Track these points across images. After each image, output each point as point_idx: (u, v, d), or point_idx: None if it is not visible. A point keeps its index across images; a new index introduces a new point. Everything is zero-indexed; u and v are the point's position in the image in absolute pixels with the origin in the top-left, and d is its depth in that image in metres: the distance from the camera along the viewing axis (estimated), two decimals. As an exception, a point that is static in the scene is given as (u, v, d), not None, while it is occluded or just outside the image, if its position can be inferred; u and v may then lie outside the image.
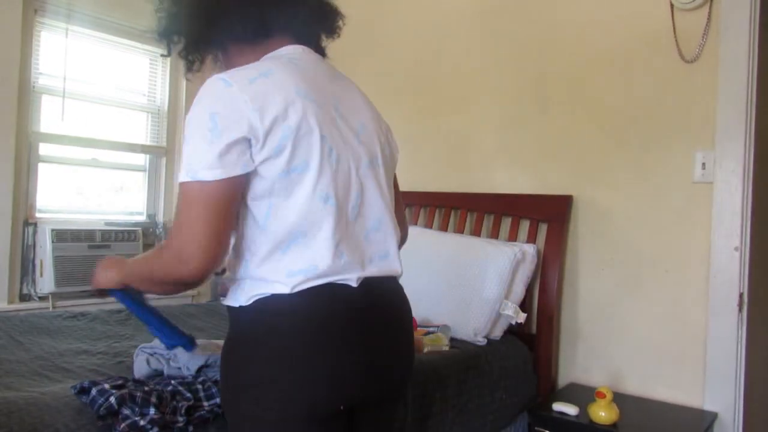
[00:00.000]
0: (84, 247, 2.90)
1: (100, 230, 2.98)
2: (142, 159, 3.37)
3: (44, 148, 2.93)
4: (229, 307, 1.07)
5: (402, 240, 1.23)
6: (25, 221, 2.84)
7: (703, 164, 2.10)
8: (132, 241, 3.10)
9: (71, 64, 2.98)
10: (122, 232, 3.07)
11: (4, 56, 2.69)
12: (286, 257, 1.01)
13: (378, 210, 1.14)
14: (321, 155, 1.02)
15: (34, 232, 2.85)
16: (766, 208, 2.46)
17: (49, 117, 2.92)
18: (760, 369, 2.45)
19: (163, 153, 3.41)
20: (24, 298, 2.83)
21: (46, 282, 2.80)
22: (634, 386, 2.23)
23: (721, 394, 2.03)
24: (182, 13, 1.15)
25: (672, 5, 2.16)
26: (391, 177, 1.24)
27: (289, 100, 1.00)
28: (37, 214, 2.90)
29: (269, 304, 1.01)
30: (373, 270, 1.10)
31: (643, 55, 2.25)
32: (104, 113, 3.16)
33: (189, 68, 1.21)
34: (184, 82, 3.42)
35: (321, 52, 1.24)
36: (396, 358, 1.14)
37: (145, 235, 3.25)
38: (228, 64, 1.18)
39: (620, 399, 2.01)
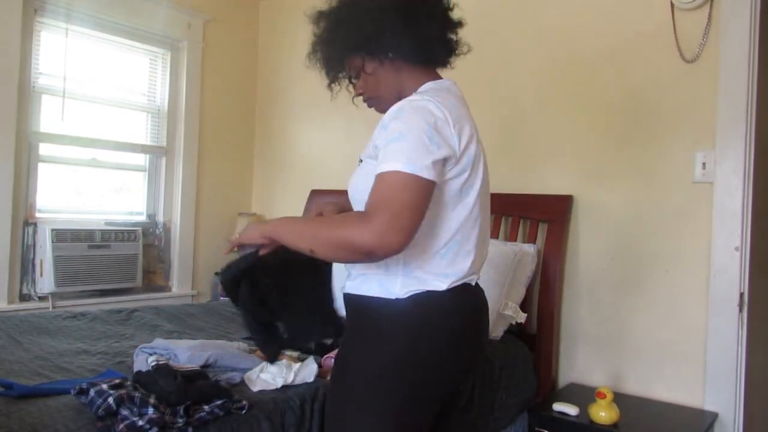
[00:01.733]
0: (84, 247, 2.90)
1: (100, 230, 2.98)
2: (142, 159, 3.37)
3: (44, 148, 2.93)
4: (375, 298, 1.18)
5: None
6: (25, 221, 2.84)
7: (703, 164, 2.10)
8: (132, 241, 3.10)
9: (71, 64, 2.98)
10: (122, 232, 3.07)
11: (4, 56, 2.69)
12: (443, 261, 1.18)
13: (488, 231, 1.32)
14: (481, 183, 1.21)
15: (34, 232, 2.85)
16: (766, 208, 2.46)
17: (49, 117, 2.92)
18: (760, 369, 2.45)
19: (163, 153, 3.41)
20: (24, 298, 2.83)
21: (46, 282, 2.80)
22: (634, 386, 2.23)
23: (721, 394, 2.03)
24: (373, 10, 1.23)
25: (672, 5, 2.16)
26: None
27: (471, 131, 1.19)
28: (37, 214, 2.90)
29: (427, 299, 1.16)
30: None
31: (643, 55, 2.24)
32: (104, 113, 3.15)
33: (345, 75, 1.33)
34: (184, 82, 3.42)
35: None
36: (483, 351, 1.34)
37: (145, 235, 3.25)
38: (378, 78, 1.29)
39: (620, 399, 2.01)
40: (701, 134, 2.12)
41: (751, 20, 2.01)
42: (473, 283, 1.24)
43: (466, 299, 1.21)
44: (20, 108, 2.76)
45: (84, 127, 3.05)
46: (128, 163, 3.32)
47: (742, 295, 2.02)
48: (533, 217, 2.45)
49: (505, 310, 2.22)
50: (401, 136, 1.09)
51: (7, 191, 2.72)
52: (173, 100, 3.43)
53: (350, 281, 1.24)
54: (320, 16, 1.31)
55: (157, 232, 3.39)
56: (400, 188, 1.06)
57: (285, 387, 1.55)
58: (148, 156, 3.38)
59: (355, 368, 1.19)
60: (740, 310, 2.02)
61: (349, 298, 1.25)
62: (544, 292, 2.37)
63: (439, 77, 1.30)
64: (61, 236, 2.82)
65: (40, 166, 2.91)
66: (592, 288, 2.36)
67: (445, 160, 1.12)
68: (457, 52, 1.32)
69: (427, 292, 1.16)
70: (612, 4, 2.33)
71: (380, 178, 1.09)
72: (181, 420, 1.27)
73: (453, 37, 1.30)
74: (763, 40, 2.07)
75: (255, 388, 1.52)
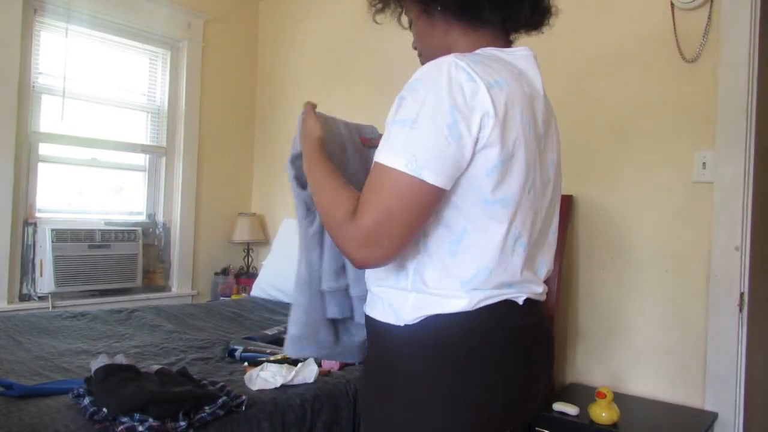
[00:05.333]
0: (84, 247, 2.90)
1: (100, 230, 2.98)
2: (142, 159, 3.37)
3: (44, 148, 2.93)
4: (381, 324, 0.99)
5: None
6: (25, 221, 2.84)
7: (703, 164, 2.10)
8: (132, 241, 3.10)
9: (71, 64, 2.98)
10: (122, 232, 3.07)
11: (4, 56, 2.69)
12: (468, 278, 0.94)
13: (549, 249, 1.08)
14: (521, 192, 0.94)
15: (34, 232, 2.85)
16: (766, 208, 2.46)
17: (48, 117, 2.92)
18: (760, 369, 2.45)
19: (163, 153, 3.41)
20: (24, 298, 2.83)
21: (46, 282, 2.80)
22: (634, 386, 2.23)
23: (721, 394, 2.03)
24: None
25: (672, 5, 2.16)
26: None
27: (515, 125, 0.92)
28: (37, 214, 2.90)
29: (444, 323, 0.93)
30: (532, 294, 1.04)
31: (643, 55, 2.24)
32: (104, 113, 3.15)
33: (381, 10, 1.12)
34: (184, 82, 3.42)
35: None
36: (542, 385, 1.06)
37: (145, 235, 3.25)
38: (425, 31, 1.08)
39: (620, 399, 2.01)
40: (701, 134, 2.12)
41: (751, 20, 2.01)
42: (520, 301, 0.98)
43: (501, 320, 0.96)
44: (20, 108, 2.76)
45: (84, 127, 3.05)
46: (128, 163, 3.32)
47: (742, 295, 2.02)
48: (533, 217, 2.45)
49: (505, 310, 2.22)
50: (413, 121, 0.87)
51: (7, 191, 2.72)
52: (173, 100, 3.43)
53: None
54: None
55: (157, 232, 3.39)
56: (396, 192, 0.87)
57: (285, 387, 1.55)
58: (147, 156, 3.38)
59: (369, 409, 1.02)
60: (740, 310, 2.01)
61: (366, 320, 1.06)
62: (544, 292, 2.37)
63: (505, 45, 1.05)
64: (61, 236, 2.82)
65: (40, 166, 2.91)
66: (592, 288, 2.36)
67: (471, 155, 0.88)
68: (524, 18, 1.05)
69: (450, 314, 0.93)
70: (612, 3, 2.33)
71: (377, 167, 0.89)
72: (183, 423, 1.27)
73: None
74: (763, 40, 2.07)
75: (254, 387, 1.52)
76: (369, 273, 1.04)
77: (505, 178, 0.92)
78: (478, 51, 1.00)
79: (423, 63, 1.05)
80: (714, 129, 2.08)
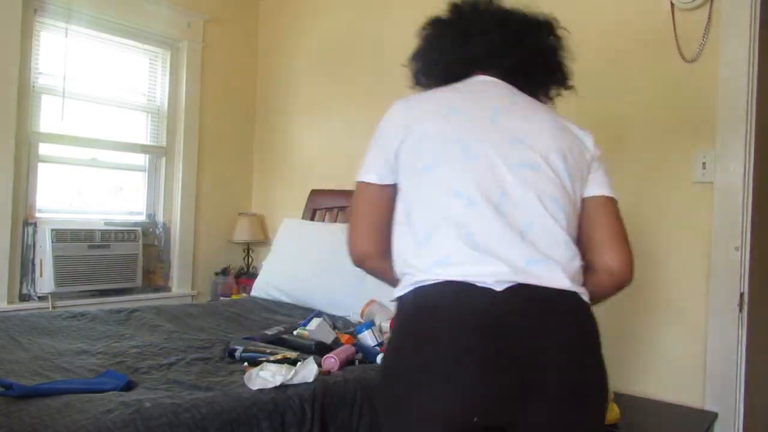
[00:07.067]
0: (84, 247, 2.90)
1: (99, 230, 2.98)
2: (141, 159, 3.37)
3: (44, 148, 2.93)
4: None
5: (605, 278, 1.28)
6: (24, 221, 2.84)
7: (704, 164, 2.10)
8: (132, 241, 3.10)
9: (71, 64, 2.98)
10: (122, 232, 3.07)
11: (4, 56, 2.69)
12: (426, 250, 1.06)
13: (532, 213, 1.08)
14: (455, 155, 1.11)
15: (34, 232, 2.85)
16: (766, 207, 2.46)
17: (48, 117, 2.92)
18: (760, 369, 2.45)
19: (163, 153, 3.41)
20: (24, 298, 2.83)
21: (45, 282, 2.80)
22: (634, 386, 2.23)
23: (721, 394, 2.03)
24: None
25: (672, 5, 2.16)
26: (566, 188, 1.19)
27: (433, 111, 1.18)
28: (37, 214, 2.90)
29: (418, 293, 1.06)
30: (526, 277, 1.02)
31: (643, 55, 2.24)
32: (104, 113, 3.16)
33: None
34: (183, 83, 3.42)
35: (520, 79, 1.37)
36: (540, 389, 0.99)
37: (145, 235, 3.25)
38: None
39: (620, 399, 2.01)
40: (701, 134, 2.11)
41: (751, 20, 2.01)
42: (495, 287, 1.00)
43: (457, 301, 1.01)
44: (20, 108, 2.76)
45: (84, 127, 3.05)
46: (128, 163, 3.32)
47: (742, 295, 2.02)
48: (533, 217, 2.45)
49: (505, 310, 2.22)
50: (368, 149, 1.22)
51: (7, 191, 2.72)
52: (173, 100, 3.43)
53: None
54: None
55: (157, 232, 3.39)
56: (355, 197, 1.19)
57: (285, 387, 1.54)
58: (147, 156, 3.38)
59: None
60: (740, 310, 2.01)
61: None
62: (544, 292, 2.37)
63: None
64: (61, 236, 2.82)
65: (40, 166, 2.91)
66: (592, 288, 2.36)
67: (388, 157, 1.16)
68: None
69: (421, 286, 1.05)
70: (612, 3, 2.33)
71: None
72: None
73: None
74: (763, 40, 2.07)
75: (254, 387, 1.52)
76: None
77: (421, 154, 1.13)
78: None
79: None
80: (714, 129, 2.08)
